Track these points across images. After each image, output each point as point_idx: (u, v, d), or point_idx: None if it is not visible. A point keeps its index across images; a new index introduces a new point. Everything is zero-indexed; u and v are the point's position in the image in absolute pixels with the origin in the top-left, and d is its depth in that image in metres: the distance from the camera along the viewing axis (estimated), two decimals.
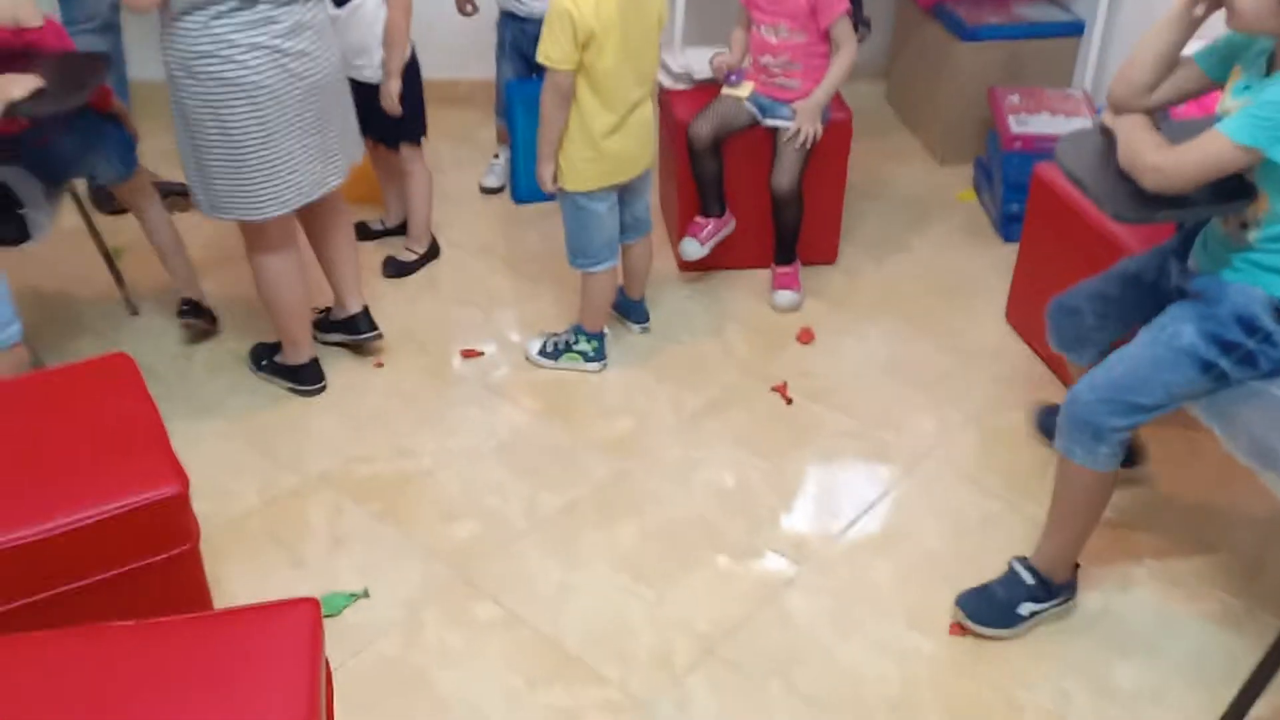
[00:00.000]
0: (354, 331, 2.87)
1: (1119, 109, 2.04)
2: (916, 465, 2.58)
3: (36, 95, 2.34)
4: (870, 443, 2.65)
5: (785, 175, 3.01)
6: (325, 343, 2.89)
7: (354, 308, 2.85)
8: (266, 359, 2.82)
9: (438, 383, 2.85)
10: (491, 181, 3.72)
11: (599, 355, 2.88)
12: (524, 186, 3.60)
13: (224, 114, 2.34)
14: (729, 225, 3.15)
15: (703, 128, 3.02)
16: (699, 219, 3.12)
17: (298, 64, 2.37)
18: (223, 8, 2.26)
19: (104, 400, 1.99)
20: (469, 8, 3.46)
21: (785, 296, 3.12)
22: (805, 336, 3.00)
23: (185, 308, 2.91)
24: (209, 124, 2.36)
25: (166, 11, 2.27)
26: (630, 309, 3.03)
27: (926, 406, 2.76)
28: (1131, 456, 2.40)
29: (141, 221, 2.88)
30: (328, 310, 2.91)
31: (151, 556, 1.81)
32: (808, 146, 2.98)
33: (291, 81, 2.37)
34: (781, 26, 2.92)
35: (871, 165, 3.72)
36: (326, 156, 2.53)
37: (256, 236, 2.56)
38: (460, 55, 3.97)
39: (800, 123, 2.95)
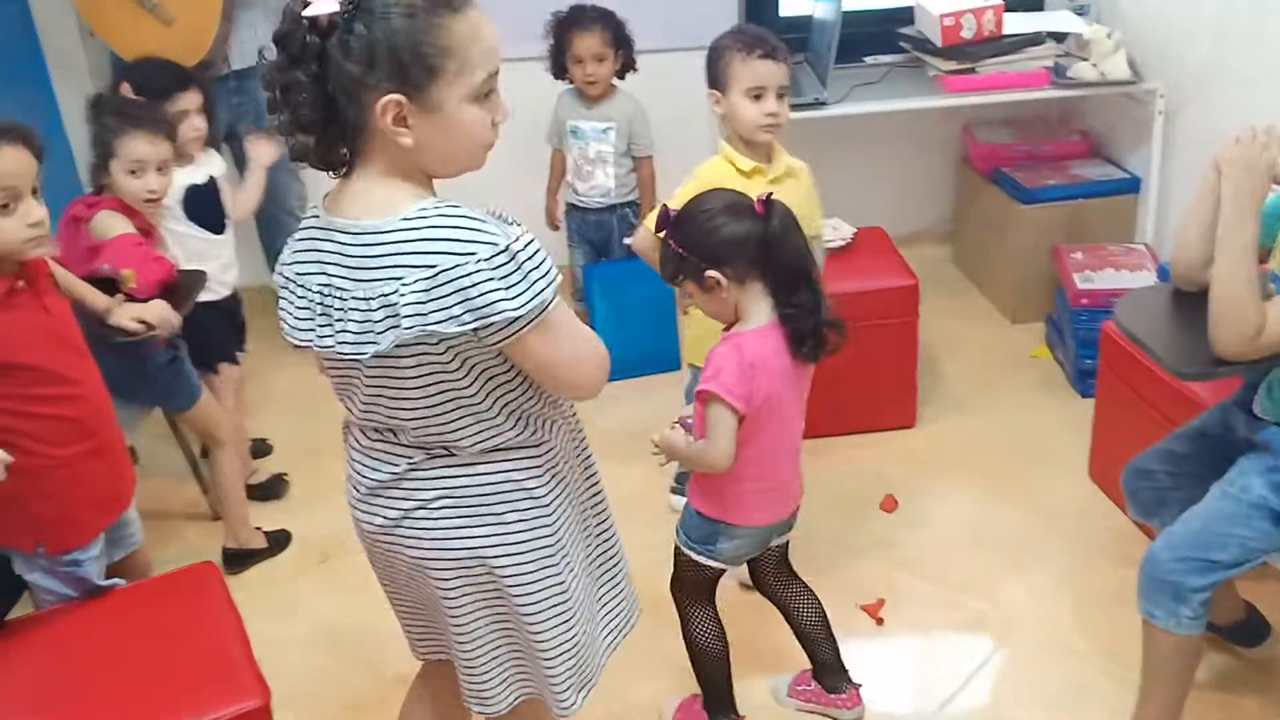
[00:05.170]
0: None
1: (1184, 285, 2.03)
2: (1010, 635, 2.50)
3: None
4: (963, 613, 2.58)
5: None
6: None
7: None
8: None
9: None
10: None
11: None
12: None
13: None
14: None
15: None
16: None
17: None
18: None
19: (189, 611, 2.04)
20: (556, 224, 3.65)
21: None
22: (889, 504, 2.96)
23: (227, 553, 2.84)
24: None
25: None
26: None
27: (1017, 572, 2.69)
28: (1260, 632, 2.29)
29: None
30: None
31: None
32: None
33: None
34: None
35: (944, 327, 3.72)
36: None
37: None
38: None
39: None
